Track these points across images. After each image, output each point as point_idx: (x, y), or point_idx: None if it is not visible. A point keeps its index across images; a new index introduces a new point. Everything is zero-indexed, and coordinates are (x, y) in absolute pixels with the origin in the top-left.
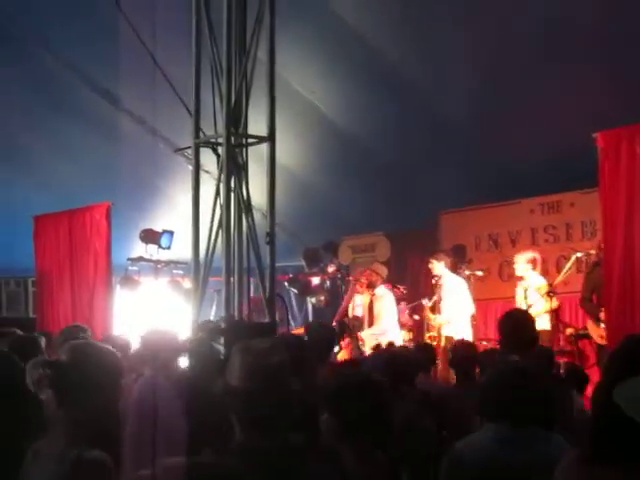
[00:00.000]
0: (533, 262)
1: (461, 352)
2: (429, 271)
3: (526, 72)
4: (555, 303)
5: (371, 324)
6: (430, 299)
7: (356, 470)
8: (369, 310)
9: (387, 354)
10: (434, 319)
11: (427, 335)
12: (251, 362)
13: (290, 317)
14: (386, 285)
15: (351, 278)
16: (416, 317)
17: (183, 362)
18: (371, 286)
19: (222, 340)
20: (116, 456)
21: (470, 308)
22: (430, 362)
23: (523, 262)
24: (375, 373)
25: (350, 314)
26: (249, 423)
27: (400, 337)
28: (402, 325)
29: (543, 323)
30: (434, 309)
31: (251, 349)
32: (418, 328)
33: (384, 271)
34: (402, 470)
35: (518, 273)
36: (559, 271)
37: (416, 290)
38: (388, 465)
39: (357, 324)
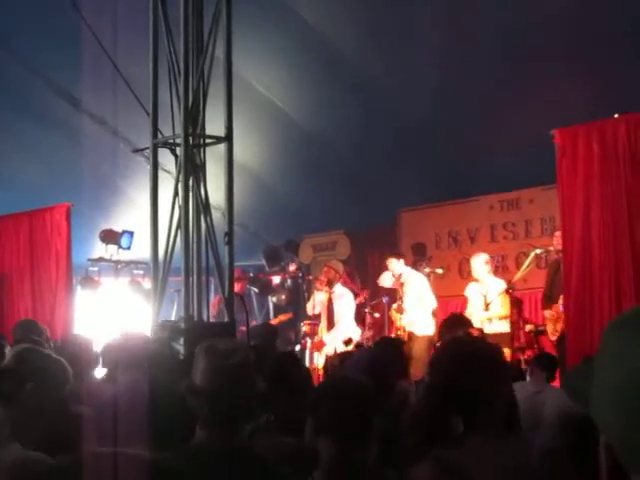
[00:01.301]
0: (488, 263)
1: None
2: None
3: (486, 71)
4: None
5: (330, 322)
6: (395, 301)
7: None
8: (327, 308)
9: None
10: (399, 319)
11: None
12: (214, 362)
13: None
14: (344, 279)
15: (310, 277)
16: (376, 315)
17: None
18: (329, 284)
19: (182, 340)
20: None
21: (433, 303)
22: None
23: (481, 264)
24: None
25: (310, 312)
26: (211, 423)
27: (358, 334)
28: (361, 323)
29: (502, 326)
30: (399, 309)
31: (214, 349)
32: (378, 326)
33: (340, 268)
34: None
35: (475, 275)
36: (518, 268)
37: (376, 288)
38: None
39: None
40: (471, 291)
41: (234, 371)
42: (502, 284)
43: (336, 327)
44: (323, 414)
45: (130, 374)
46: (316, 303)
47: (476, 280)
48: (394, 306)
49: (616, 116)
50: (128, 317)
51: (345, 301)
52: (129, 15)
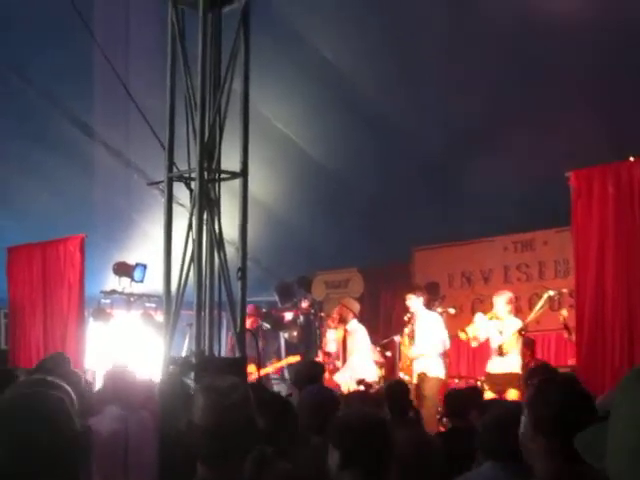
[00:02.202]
0: (511, 302)
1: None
2: (402, 307)
3: (503, 112)
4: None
5: (345, 359)
6: (403, 333)
7: None
8: (342, 345)
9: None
10: (408, 349)
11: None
12: (213, 399)
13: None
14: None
15: (322, 314)
16: (388, 354)
17: (154, 398)
18: (343, 321)
19: (192, 375)
20: None
21: (446, 343)
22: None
23: (503, 303)
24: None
25: (323, 349)
26: (210, 459)
27: (374, 372)
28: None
29: (515, 366)
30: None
31: (213, 387)
32: (390, 365)
33: (356, 306)
34: None
35: (497, 314)
36: (531, 309)
37: (388, 326)
38: None
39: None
40: (487, 324)
41: (232, 409)
42: (518, 323)
43: (347, 364)
44: (351, 448)
45: (141, 409)
46: (329, 341)
47: (482, 302)
48: (401, 338)
49: (632, 159)
50: (139, 350)
51: (358, 336)
52: (146, 48)
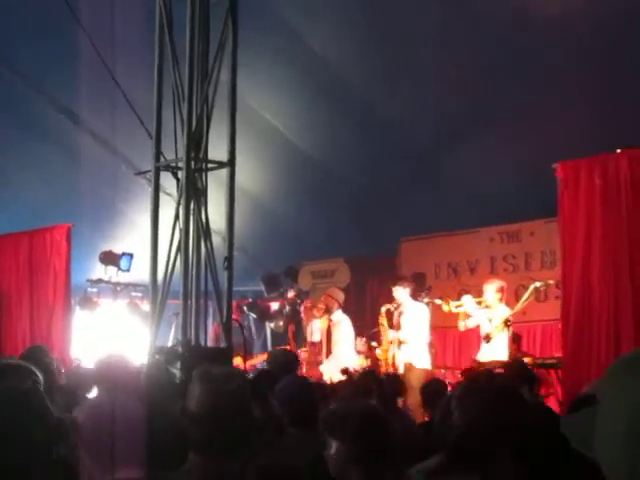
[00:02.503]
0: (501, 291)
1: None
2: (388, 298)
3: (489, 103)
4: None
5: (329, 349)
6: (381, 314)
7: None
8: (327, 335)
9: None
10: (386, 331)
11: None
12: (210, 388)
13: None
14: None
15: (307, 304)
16: (374, 344)
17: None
18: (328, 311)
19: (178, 364)
20: None
21: (427, 336)
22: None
23: (493, 291)
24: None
25: (308, 339)
26: (205, 447)
27: (358, 363)
28: (358, 352)
29: (502, 354)
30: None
31: (211, 374)
32: (375, 355)
33: (341, 296)
34: None
35: (487, 302)
36: (518, 300)
37: (374, 317)
38: None
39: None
40: (477, 312)
41: (230, 397)
42: (508, 312)
43: (333, 355)
44: (358, 443)
45: (127, 396)
46: (314, 330)
47: (468, 292)
48: (390, 335)
49: (619, 151)
50: (125, 339)
51: (343, 327)
52: (134, 38)
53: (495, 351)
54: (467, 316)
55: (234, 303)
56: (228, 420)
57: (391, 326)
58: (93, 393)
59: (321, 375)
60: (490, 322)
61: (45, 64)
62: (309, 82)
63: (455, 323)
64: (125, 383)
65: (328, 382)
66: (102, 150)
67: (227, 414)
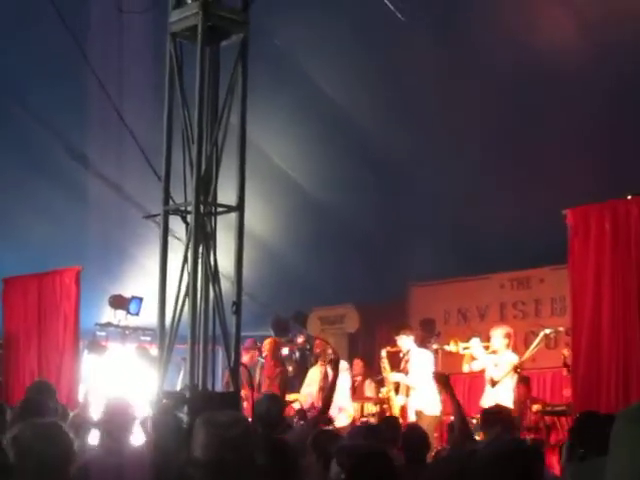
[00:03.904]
0: (509, 337)
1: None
2: (397, 345)
3: (501, 149)
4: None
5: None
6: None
7: None
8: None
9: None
10: (388, 373)
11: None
12: (214, 434)
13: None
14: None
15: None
16: (383, 390)
17: (144, 431)
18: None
19: (186, 409)
20: None
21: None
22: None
23: (500, 337)
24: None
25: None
26: None
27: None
28: (367, 399)
29: (507, 400)
30: (398, 387)
31: (214, 421)
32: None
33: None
34: None
35: (494, 347)
36: (527, 347)
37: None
38: None
39: None
40: (484, 356)
41: (233, 443)
42: (515, 358)
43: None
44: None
45: (132, 442)
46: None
47: (477, 336)
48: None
49: (629, 197)
50: (134, 383)
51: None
52: (143, 80)
53: (500, 396)
54: (473, 359)
55: (250, 342)
56: (232, 466)
57: (393, 368)
58: (95, 435)
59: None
60: (496, 367)
61: (56, 106)
62: (318, 126)
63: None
64: (131, 428)
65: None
66: (111, 193)
67: (230, 460)
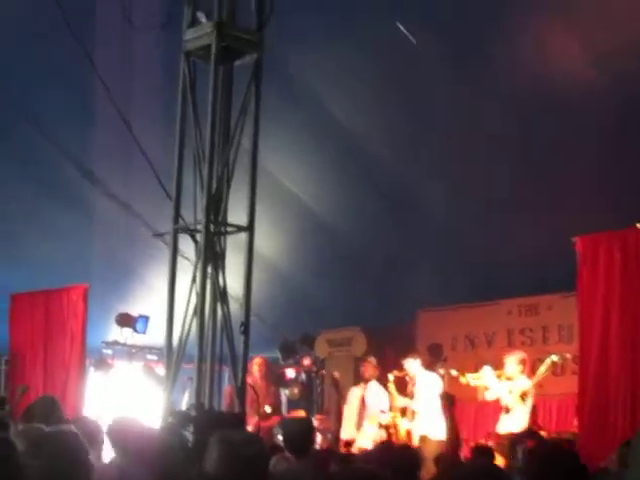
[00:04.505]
0: (523, 363)
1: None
2: (402, 370)
3: (509, 175)
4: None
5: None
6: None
7: None
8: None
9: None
10: (396, 399)
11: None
12: (229, 452)
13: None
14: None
15: (324, 372)
16: (391, 414)
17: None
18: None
19: (191, 428)
20: None
21: (439, 406)
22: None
23: (514, 363)
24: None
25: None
26: None
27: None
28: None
29: (521, 426)
30: (404, 412)
31: (230, 439)
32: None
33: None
34: None
35: (508, 374)
36: (534, 374)
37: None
38: None
39: None
40: (498, 385)
41: (249, 462)
42: (529, 384)
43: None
44: None
45: (139, 461)
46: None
47: (485, 364)
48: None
49: (638, 226)
50: (139, 402)
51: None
52: (156, 100)
53: (514, 423)
54: (486, 389)
55: (261, 360)
56: None
57: (399, 393)
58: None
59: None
60: (510, 394)
61: (63, 123)
62: (330, 149)
63: (472, 395)
64: (137, 447)
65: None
66: (121, 211)
67: (247, 478)
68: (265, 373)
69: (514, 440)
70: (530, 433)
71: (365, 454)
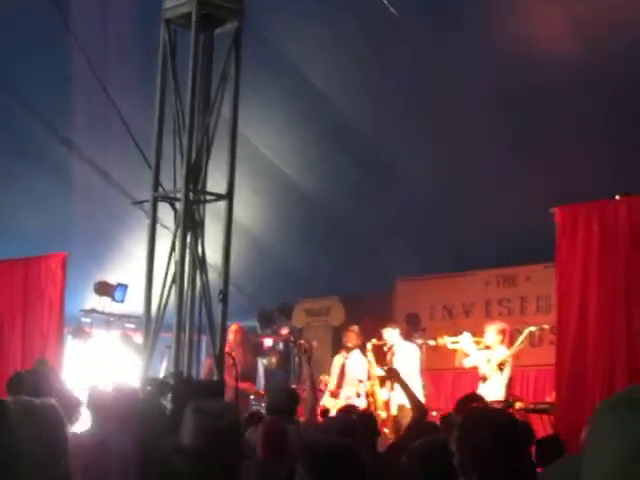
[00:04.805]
0: (503, 333)
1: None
2: (382, 337)
3: (487, 147)
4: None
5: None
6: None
7: None
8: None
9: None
10: (373, 367)
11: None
12: (204, 423)
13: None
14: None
15: (302, 341)
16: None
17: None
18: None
19: (169, 396)
20: None
21: (418, 375)
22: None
23: (494, 332)
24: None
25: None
26: None
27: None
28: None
29: (498, 396)
30: (383, 381)
31: (204, 410)
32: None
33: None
34: None
35: (487, 343)
36: (512, 344)
37: None
38: None
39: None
40: (477, 353)
41: (223, 433)
42: (506, 353)
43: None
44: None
45: (118, 428)
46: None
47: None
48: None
49: (617, 197)
50: (117, 370)
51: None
52: (136, 67)
53: (491, 392)
54: (465, 355)
55: (237, 327)
56: (223, 455)
57: (378, 362)
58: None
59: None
60: (489, 363)
61: (43, 91)
62: (311, 120)
63: (449, 365)
64: (116, 415)
65: None
66: (100, 179)
67: (223, 449)
68: (241, 340)
69: (456, 405)
70: (473, 397)
71: (326, 422)
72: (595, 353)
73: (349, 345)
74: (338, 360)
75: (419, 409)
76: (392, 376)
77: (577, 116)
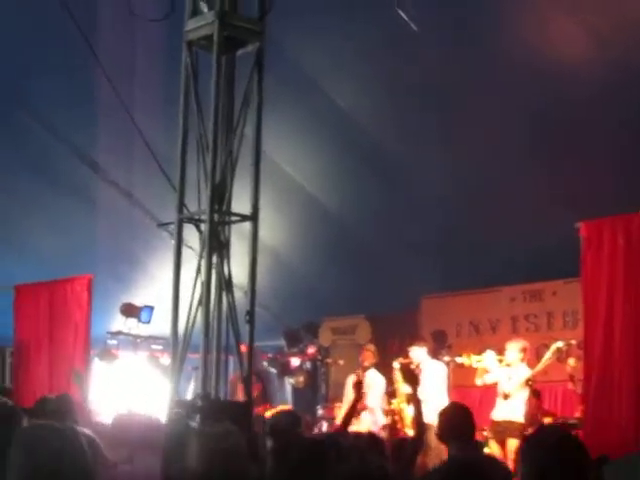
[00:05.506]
0: (524, 351)
1: None
2: (408, 356)
3: (512, 161)
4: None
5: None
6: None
7: None
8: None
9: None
10: (402, 385)
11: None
12: (203, 445)
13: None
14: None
15: (329, 360)
16: (394, 402)
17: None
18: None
19: (198, 418)
20: None
21: (445, 394)
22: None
23: (515, 350)
24: None
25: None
26: None
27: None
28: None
29: (517, 413)
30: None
31: (204, 433)
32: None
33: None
34: None
35: (508, 360)
36: (539, 360)
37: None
38: None
39: None
40: (498, 370)
41: (223, 455)
42: (528, 372)
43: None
44: None
45: (146, 456)
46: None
47: (491, 349)
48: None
49: None
50: (145, 392)
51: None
52: (158, 90)
53: (512, 409)
54: (486, 372)
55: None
56: (223, 477)
57: (406, 380)
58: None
59: None
60: (509, 380)
61: (66, 112)
62: (334, 139)
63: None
64: (144, 440)
65: None
66: (125, 201)
67: (220, 472)
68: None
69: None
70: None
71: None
72: (621, 367)
73: (366, 364)
74: (353, 380)
75: (419, 426)
76: (408, 374)
77: (600, 131)
